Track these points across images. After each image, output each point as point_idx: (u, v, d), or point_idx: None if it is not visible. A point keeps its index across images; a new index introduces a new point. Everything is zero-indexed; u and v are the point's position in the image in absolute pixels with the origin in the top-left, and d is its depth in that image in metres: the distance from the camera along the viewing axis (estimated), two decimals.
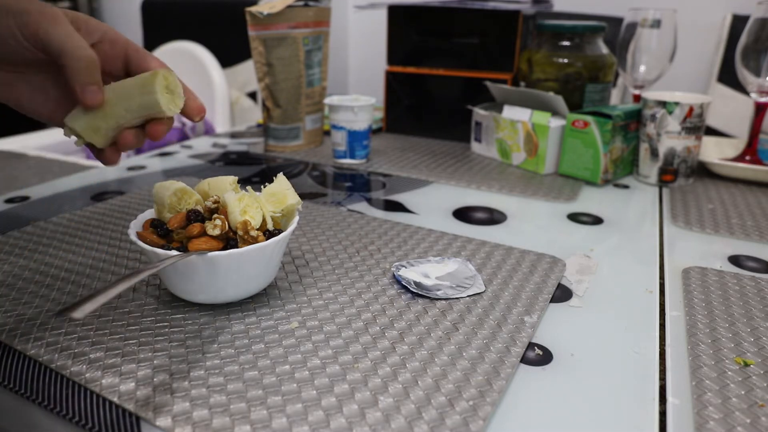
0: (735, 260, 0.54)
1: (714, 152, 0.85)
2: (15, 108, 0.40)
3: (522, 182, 0.75)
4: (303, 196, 0.69)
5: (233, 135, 1.02)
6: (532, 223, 0.61)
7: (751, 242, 0.58)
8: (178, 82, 0.39)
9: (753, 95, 0.75)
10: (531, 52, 0.86)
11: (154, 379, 0.34)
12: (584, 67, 0.82)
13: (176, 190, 0.42)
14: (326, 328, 0.40)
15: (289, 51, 0.84)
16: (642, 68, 0.86)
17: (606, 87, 0.85)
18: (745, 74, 0.74)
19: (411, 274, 0.47)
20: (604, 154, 0.72)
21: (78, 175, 0.76)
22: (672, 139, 0.72)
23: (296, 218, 0.44)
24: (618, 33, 0.89)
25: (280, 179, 0.45)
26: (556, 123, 0.76)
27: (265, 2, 0.84)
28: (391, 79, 0.99)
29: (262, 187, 0.45)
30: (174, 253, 0.38)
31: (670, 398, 0.35)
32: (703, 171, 0.81)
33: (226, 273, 0.40)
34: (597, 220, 0.63)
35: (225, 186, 0.44)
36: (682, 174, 0.74)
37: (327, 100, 0.82)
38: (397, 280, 0.47)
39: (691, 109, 0.70)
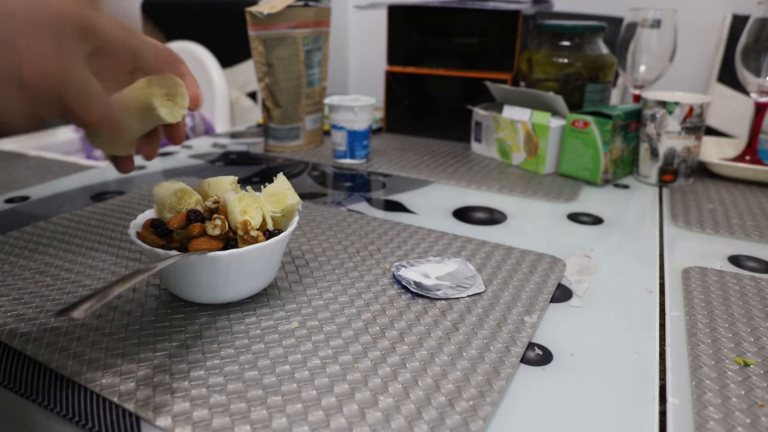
0: (735, 260, 0.54)
1: (714, 152, 0.85)
2: None
3: (522, 182, 0.75)
4: (303, 196, 0.69)
5: (233, 135, 1.02)
6: (532, 223, 0.61)
7: (751, 242, 0.58)
8: (174, 82, 0.38)
9: (753, 95, 0.75)
10: (531, 52, 0.86)
11: (154, 379, 0.34)
12: (584, 67, 0.82)
13: (176, 190, 0.42)
14: (326, 328, 0.40)
15: (289, 51, 0.84)
16: (642, 68, 0.86)
17: (606, 87, 0.85)
18: (745, 74, 0.74)
19: (411, 274, 0.47)
20: (604, 154, 0.72)
21: (78, 175, 0.76)
22: (672, 139, 0.72)
23: (296, 218, 0.44)
24: (618, 33, 0.89)
25: (280, 179, 0.45)
26: (556, 123, 0.76)
27: (265, 2, 0.84)
28: (391, 79, 0.99)
29: (262, 187, 0.45)
30: (174, 253, 0.38)
31: (670, 398, 0.35)
32: (703, 171, 0.81)
33: (226, 273, 0.40)
34: (597, 220, 0.63)
35: (225, 186, 0.44)
36: (682, 174, 0.74)
37: (327, 100, 0.82)
38: (397, 280, 0.47)
39: (691, 109, 0.70)
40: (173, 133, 0.40)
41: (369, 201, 0.68)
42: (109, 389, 0.34)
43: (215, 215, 0.40)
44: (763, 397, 0.34)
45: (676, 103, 0.70)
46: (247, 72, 1.73)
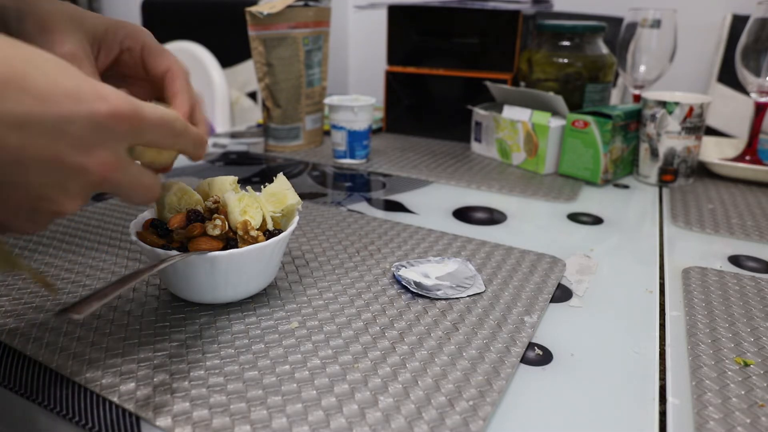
0: (735, 260, 0.54)
1: (714, 152, 0.85)
2: None
3: (522, 182, 0.75)
4: (303, 196, 0.69)
5: (233, 135, 1.02)
6: (532, 223, 0.61)
7: (751, 242, 0.58)
8: (154, 151, 0.36)
9: (753, 95, 0.75)
10: (531, 52, 0.86)
11: (154, 379, 0.34)
12: (584, 67, 0.82)
13: (176, 190, 0.42)
14: (326, 328, 0.40)
15: (289, 51, 0.84)
16: (642, 68, 0.86)
17: (606, 87, 0.85)
18: (745, 74, 0.74)
19: (411, 274, 0.47)
20: (604, 154, 0.72)
21: None
22: (672, 139, 0.72)
23: (296, 218, 0.44)
24: (618, 33, 0.89)
25: (280, 179, 0.45)
26: (556, 123, 0.76)
27: (265, 2, 0.84)
28: (391, 79, 0.99)
29: (262, 187, 0.45)
30: (174, 253, 0.38)
31: (670, 398, 0.35)
32: (703, 171, 0.81)
33: (226, 273, 0.40)
34: (597, 220, 0.63)
35: (225, 186, 0.44)
36: (682, 174, 0.74)
37: (327, 100, 0.82)
38: (397, 280, 0.47)
39: (691, 109, 0.70)
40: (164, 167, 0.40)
41: (369, 201, 0.68)
42: (109, 389, 0.34)
43: (215, 215, 0.40)
44: (763, 397, 0.34)
45: (676, 103, 0.70)
46: (247, 72, 1.73)
